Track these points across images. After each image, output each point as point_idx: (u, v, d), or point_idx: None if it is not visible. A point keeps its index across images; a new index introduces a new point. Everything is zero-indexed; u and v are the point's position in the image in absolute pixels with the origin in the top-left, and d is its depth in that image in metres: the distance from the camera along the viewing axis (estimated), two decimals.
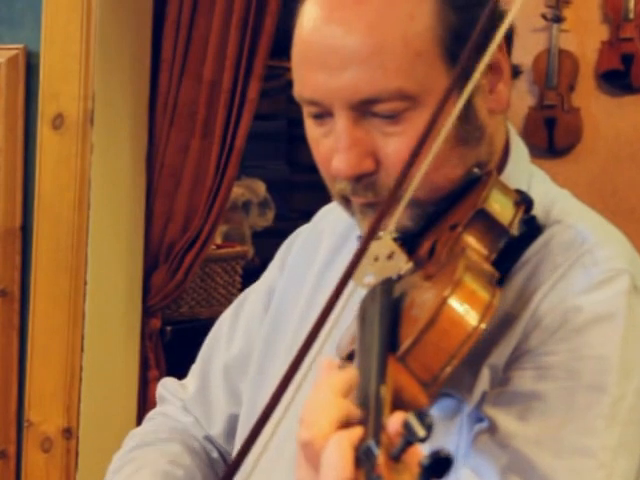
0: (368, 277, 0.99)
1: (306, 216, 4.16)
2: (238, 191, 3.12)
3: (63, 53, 2.41)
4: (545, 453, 0.98)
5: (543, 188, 1.12)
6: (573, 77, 4.21)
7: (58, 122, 2.42)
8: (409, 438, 0.75)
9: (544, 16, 4.14)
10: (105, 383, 2.52)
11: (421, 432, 0.74)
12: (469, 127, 1.06)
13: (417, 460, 0.73)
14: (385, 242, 1.00)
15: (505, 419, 1.00)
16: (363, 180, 1.04)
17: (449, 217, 1.04)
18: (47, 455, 2.46)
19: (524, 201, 1.03)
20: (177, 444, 1.29)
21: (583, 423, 0.98)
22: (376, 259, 0.99)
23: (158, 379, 2.61)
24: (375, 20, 1.01)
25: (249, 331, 1.30)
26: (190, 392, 1.35)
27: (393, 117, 1.02)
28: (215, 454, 1.32)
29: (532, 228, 1.03)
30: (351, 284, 0.93)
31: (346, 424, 0.82)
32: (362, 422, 0.81)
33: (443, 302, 0.90)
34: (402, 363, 0.90)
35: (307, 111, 1.08)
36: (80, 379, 2.46)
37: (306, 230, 1.35)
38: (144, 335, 2.60)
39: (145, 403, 2.60)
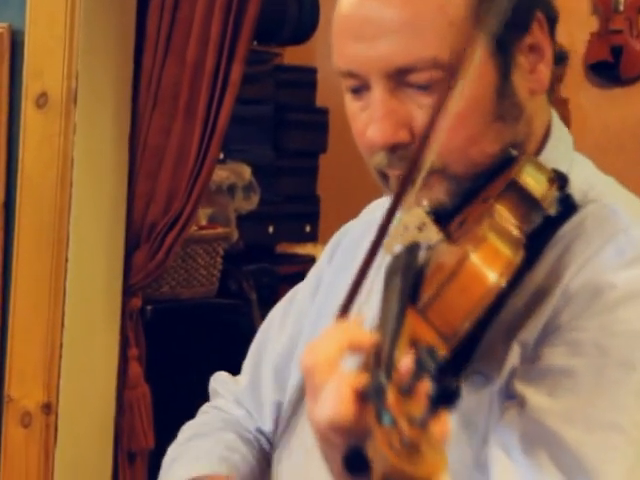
0: (398, 247, 1.01)
1: (290, 200, 4.18)
2: (223, 174, 3.14)
3: (48, 32, 2.43)
4: (574, 428, 0.99)
5: (584, 173, 1.13)
6: (562, 68, 4.24)
7: (42, 101, 2.44)
8: (419, 372, 0.77)
9: None
10: (85, 360, 2.54)
11: (431, 365, 0.76)
12: (507, 103, 1.07)
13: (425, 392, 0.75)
14: (416, 213, 1.01)
15: (534, 394, 1.01)
16: (398, 151, 1.05)
17: (483, 194, 1.05)
18: (27, 430, 2.49)
19: (558, 178, 1.04)
20: (231, 433, 1.31)
21: (613, 399, 0.99)
22: (406, 229, 1.00)
23: (138, 358, 2.65)
24: None
25: (299, 319, 1.32)
26: (242, 385, 1.37)
27: (428, 88, 1.04)
28: (267, 446, 1.33)
29: (567, 206, 1.04)
30: (382, 256, 0.96)
31: (354, 353, 0.84)
32: (374, 356, 0.82)
33: (465, 257, 0.93)
34: (422, 315, 0.92)
35: (345, 85, 1.09)
36: (60, 356, 2.48)
37: (356, 225, 1.37)
38: (125, 314, 2.62)
39: (125, 381, 2.63)
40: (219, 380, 1.42)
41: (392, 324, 0.87)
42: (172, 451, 1.32)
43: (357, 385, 0.80)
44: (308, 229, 3.62)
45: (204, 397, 3.25)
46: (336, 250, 1.34)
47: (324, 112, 3.62)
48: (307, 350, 0.86)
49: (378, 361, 0.81)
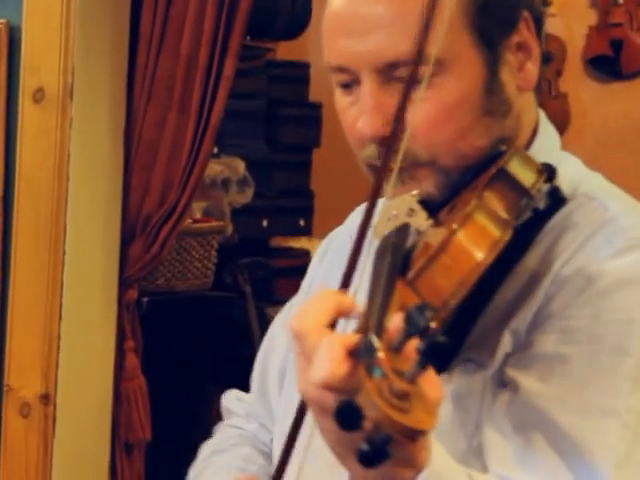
0: (387, 232, 1.02)
1: (284, 194, 4.20)
2: (217, 169, 3.17)
3: (44, 28, 2.47)
4: (567, 411, 1.00)
5: (572, 169, 1.15)
6: (560, 62, 4.14)
7: (39, 96, 2.48)
8: (409, 330, 0.78)
9: None
10: (82, 352, 2.58)
11: (422, 322, 0.77)
12: (495, 99, 1.09)
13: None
14: (405, 199, 1.03)
15: (527, 380, 1.03)
16: (392, 144, 1.04)
17: (472, 185, 1.07)
18: (26, 420, 2.52)
19: (546, 170, 1.05)
20: (247, 447, 1.33)
21: (607, 383, 1.01)
22: (396, 215, 1.02)
23: (134, 349, 2.68)
24: None
25: None
26: (252, 398, 1.40)
27: (417, 82, 1.04)
28: None
29: (556, 199, 1.06)
30: (372, 242, 0.97)
31: (343, 316, 0.86)
32: (364, 321, 0.84)
33: (453, 232, 0.95)
34: (412, 287, 0.94)
35: (335, 80, 1.11)
36: (58, 347, 2.52)
37: (343, 229, 1.38)
38: (121, 306, 2.65)
39: (121, 372, 2.66)
40: (230, 398, 1.44)
41: (382, 291, 0.88)
42: (193, 470, 1.34)
43: (349, 344, 0.81)
44: (302, 223, 3.65)
45: (200, 389, 3.29)
46: (326, 252, 1.36)
47: (317, 107, 3.64)
48: (296, 315, 0.87)
49: (368, 324, 0.83)
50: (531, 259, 1.07)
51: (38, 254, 2.50)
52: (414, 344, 0.78)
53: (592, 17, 4.18)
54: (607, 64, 4.13)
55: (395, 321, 0.82)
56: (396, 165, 0.99)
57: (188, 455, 3.31)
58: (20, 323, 2.52)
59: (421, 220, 1.03)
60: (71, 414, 2.56)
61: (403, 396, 0.77)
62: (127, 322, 2.67)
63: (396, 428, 0.76)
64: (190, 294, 3.01)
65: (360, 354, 0.80)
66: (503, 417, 1.03)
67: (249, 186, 3.24)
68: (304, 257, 3.62)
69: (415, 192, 1.04)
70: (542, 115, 1.19)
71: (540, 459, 1.00)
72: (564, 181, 1.09)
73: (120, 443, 2.68)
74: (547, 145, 1.16)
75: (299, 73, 3.65)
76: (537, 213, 1.05)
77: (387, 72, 1.07)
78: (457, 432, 1.06)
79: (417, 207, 1.03)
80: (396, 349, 0.79)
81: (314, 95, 3.70)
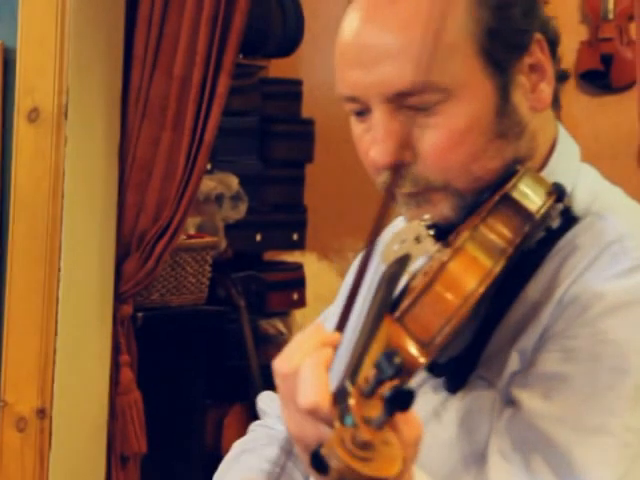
0: (395, 258, 1.03)
1: (277, 209, 4.22)
2: (211, 185, 3.21)
3: (39, 49, 2.50)
4: (566, 431, 1.01)
5: (589, 184, 1.16)
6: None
7: (34, 116, 2.51)
8: (379, 377, 0.81)
9: None
10: (78, 366, 2.60)
11: (390, 371, 0.80)
12: (508, 122, 1.10)
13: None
14: (413, 226, 1.04)
15: (529, 399, 1.04)
16: (401, 171, 1.08)
17: (478, 211, 1.07)
18: (22, 434, 2.55)
19: (557, 191, 1.07)
20: (275, 447, 1.33)
21: (604, 402, 1.01)
22: (403, 241, 1.03)
23: (129, 364, 2.71)
24: (408, 18, 1.08)
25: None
26: None
27: (427, 109, 1.07)
28: None
29: (567, 219, 1.09)
30: (379, 266, 0.99)
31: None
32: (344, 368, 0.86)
33: (442, 267, 0.96)
34: (400, 323, 0.94)
35: (349, 108, 1.14)
36: (54, 362, 2.54)
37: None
38: (116, 321, 2.68)
39: (117, 386, 2.69)
40: (264, 399, 1.45)
41: (366, 331, 0.90)
42: (221, 467, 1.36)
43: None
44: (295, 237, 3.67)
45: (194, 401, 3.32)
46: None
47: (310, 123, 3.67)
48: (280, 358, 0.90)
49: (347, 367, 0.86)
50: (540, 279, 1.09)
51: (34, 271, 2.53)
52: (382, 391, 0.80)
53: (583, 32, 4.21)
54: (598, 78, 4.16)
55: (366, 369, 0.84)
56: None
57: (183, 466, 3.33)
58: (16, 338, 2.54)
59: (429, 245, 1.04)
60: (67, 428, 2.59)
61: (366, 446, 0.79)
62: (122, 337, 2.69)
63: (356, 477, 0.79)
64: (184, 309, 3.04)
65: (334, 399, 0.83)
66: (505, 436, 1.05)
67: (242, 201, 3.27)
68: (297, 270, 3.65)
69: (427, 216, 1.05)
70: (561, 130, 1.20)
71: None
72: (579, 197, 1.11)
73: (116, 455, 2.70)
74: (564, 161, 1.17)
75: (291, 90, 3.68)
76: (550, 232, 1.08)
77: (397, 101, 1.09)
78: (466, 450, 1.09)
79: (424, 233, 1.04)
80: (367, 395, 0.81)
81: (306, 111, 3.73)
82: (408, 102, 1.08)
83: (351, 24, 1.12)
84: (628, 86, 4.15)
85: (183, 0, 2.57)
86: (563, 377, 1.04)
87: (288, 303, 3.59)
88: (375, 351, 0.88)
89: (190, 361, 3.09)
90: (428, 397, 1.11)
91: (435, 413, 1.11)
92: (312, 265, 3.77)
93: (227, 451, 3.59)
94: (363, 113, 1.13)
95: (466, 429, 1.09)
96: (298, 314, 3.64)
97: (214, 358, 3.23)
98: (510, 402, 1.06)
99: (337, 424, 0.81)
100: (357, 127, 1.14)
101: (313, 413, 0.86)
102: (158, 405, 2.81)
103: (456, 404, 1.10)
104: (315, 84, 3.80)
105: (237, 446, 1.38)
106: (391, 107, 1.09)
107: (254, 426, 1.42)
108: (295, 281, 3.62)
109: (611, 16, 4.07)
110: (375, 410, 0.80)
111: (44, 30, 2.49)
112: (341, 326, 0.94)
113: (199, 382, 3.13)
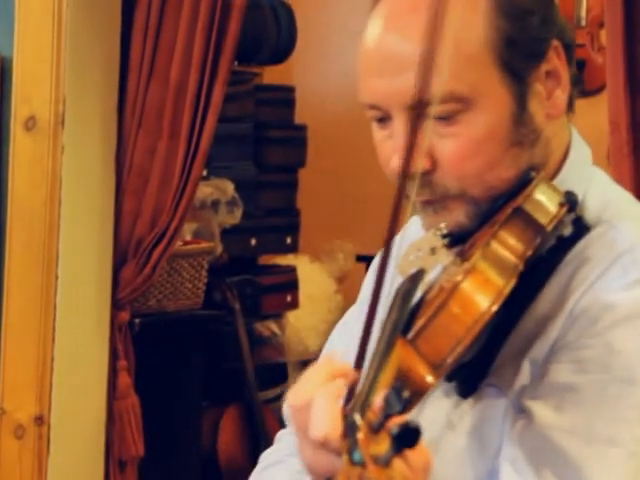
0: (412, 269, 1.03)
1: (271, 213, 4.24)
2: (207, 190, 3.22)
3: (35, 58, 2.52)
4: (576, 441, 1.02)
5: (600, 190, 1.16)
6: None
7: (30, 124, 2.52)
8: (387, 411, 0.82)
9: None
10: (76, 373, 2.61)
11: (398, 406, 0.82)
12: (524, 130, 1.11)
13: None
14: (428, 238, 1.04)
15: (541, 410, 1.04)
16: (420, 179, 1.06)
17: (494, 218, 1.08)
18: (20, 442, 2.56)
19: (568, 201, 1.07)
20: None
21: (613, 413, 1.02)
22: (419, 251, 1.03)
23: (127, 369, 2.72)
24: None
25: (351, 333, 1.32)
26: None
27: (447, 119, 1.08)
28: None
29: (578, 227, 1.09)
30: (397, 277, 0.99)
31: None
32: (355, 392, 0.88)
33: (454, 287, 0.96)
34: (413, 345, 0.95)
35: (370, 115, 1.14)
36: (52, 369, 2.55)
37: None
38: (113, 327, 2.69)
39: (114, 391, 2.70)
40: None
41: (377, 359, 0.91)
42: None
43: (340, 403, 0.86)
44: (289, 241, 3.70)
45: (191, 405, 3.33)
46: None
47: (303, 128, 3.70)
48: (292, 391, 0.92)
49: (357, 399, 0.87)
50: (552, 289, 1.09)
51: (31, 278, 2.54)
52: (390, 426, 0.81)
53: None
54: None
55: (376, 401, 0.85)
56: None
57: (179, 467, 3.35)
58: (14, 345, 2.55)
59: (443, 257, 1.04)
60: (65, 434, 2.60)
61: None
62: (119, 343, 2.71)
63: None
64: (181, 314, 3.06)
65: (344, 432, 0.84)
66: (517, 446, 1.06)
67: (238, 207, 3.29)
68: (290, 273, 3.68)
69: (442, 225, 1.05)
70: (574, 134, 1.20)
71: None
72: (590, 205, 1.12)
73: (114, 460, 2.71)
74: (576, 168, 1.17)
75: (285, 96, 3.71)
76: (561, 241, 1.08)
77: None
78: (477, 459, 1.10)
79: (439, 244, 1.04)
80: (376, 429, 0.83)
81: (299, 117, 3.75)
82: (428, 112, 1.07)
83: (373, 32, 1.13)
84: (599, 89, 4.24)
85: (179, 9, 2.59)
86: (574, 388, 1.04)
87: (282, 305, 3.62)
88: (387, 376, 0.89)
89: (187, 364, 3.10)
90: (441, 403, 1.12)
91: (449, 421, 1.12)
92: (304, 267, 3.79)
93: (223, 451, 3.58)
94: (384, 120, 1.13)
95: (479, 438, 1.10)
96: (291, 315, 3.66)
97: (210, 361, 3.25)
98: (522, 412, 1.07)
99: (345, 458, 0.82)
100: (378, 134, 1.15)
101: (324, 445, 0.87)
102: (155, 408, 2.82)
103: (469, 412, 1.11)
104: (308, 90, 3.83)
105: (263, 459, 1.38)
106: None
107: (280, 434, 1.42)
108: (288, 284, 3.65)
109: (583, 23, 4.14)
110: (383, 445, 0.82)
111: (41, 39, 2.50)
112: (360, 356, 0.94)
113: (196, 385, 3.15)
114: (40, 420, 2.55)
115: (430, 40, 0.91)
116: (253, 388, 3.34)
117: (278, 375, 3.60)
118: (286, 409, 1.42)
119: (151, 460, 2.79)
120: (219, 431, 3.31)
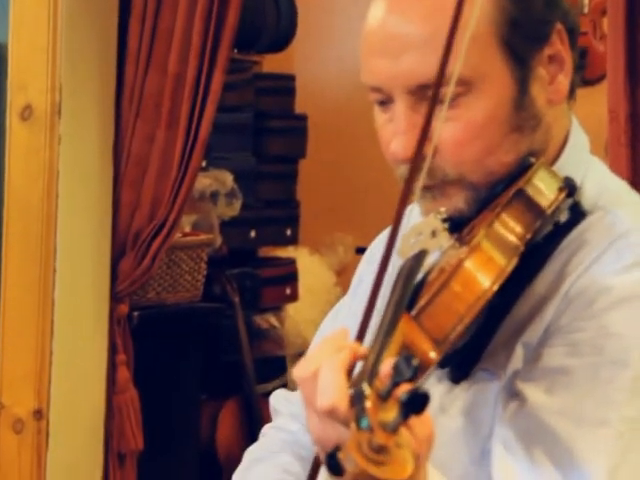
0: (412, 252, 1.03)
1: (270, 205, 4.23)
2: (206, 182, 3.19)
3: (31, 46, 2.48)
4: (567, 423, 1.03)
5: (597, 178, 1.16)
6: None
7: (27, 113, 2.49)
8: (396, 379, 0.82)
9: None
10: (74, 367, 2.60)
11: (407, 372, 0.82)
12: (525, 115, 1.10)
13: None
14: (429, 221, 1.03)
15: (533, 392, 1.05)
16: (420, 163, 1.04)
17: (495, 202, 1.08)
18: (19, 436, 2.54)
19: (567, 186, 1.07)
20: (287, 455, 1.33)
21: (604, 395, 1.03)
22: (420, 234, 1.03)
23: (126, 363, 2.70)
24: (431, 8, 1.07)
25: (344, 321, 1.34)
26: (298, 398, 1.37)
27: (443, 102, 1.04)
28: None
29: (575, 213, 1.09)
30: (398, 261, 0.99)
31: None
32: (363, 363, 0.88)
33: (458, 265, 0.98)
34: (416, 321, 0.97)
35: (372, 98, 1.13)
36: (50, 363, 2.54)
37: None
38: (112, 320, 2.67)
39: (113, 385, 2.68)
40: (277, 397, 1.44)
41: (382, 333, 0.91)
42: (235, 478, 1.35)
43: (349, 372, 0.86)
44: (289, 233, 3.68)
45: (190, 398, 3.32)
46: (374, 253, 1.35)
47: (303, 118, 3.66)
48: (300, 363, 0.92)
49: (365, 368, 0.88)
50: (547, 274, 1.09)
51: (29, 271, 2.52)
52: (398, 394, 0.82)
53: None
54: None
55: (384, 369, 0.86)
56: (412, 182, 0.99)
57: (178, 460, 3.33)
58: (12, 339, 2.53)
59: (443, 240, 1.03)
60: (64, 428, 2.58)
61: (381, 450, 0.81)
62: (118, 336, 2.69)
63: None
64: (180, 306, 3.04)
65: (351, 401, 0.84)
66: (509, 428, 1.06)
67: (237, 198, 3.26)
68: (290, 265, 3.66)
69: (442, 209, 1.05)
70: (574, 121, 1.20)
71: (539, 473, 1.03)
72: (587, 191, 1.11)
73: (113, 453, 2.70)
74: (575, 154, 1.17)
75: (285, 85, 3.67)
76: (558, 226, 1.08)
77: (419, 93, 1.08)
78: (470, 442, 1.10)
79: (440, 228, 1.03)
80: (384, 397, 0.83)
81: (300, 107, 3.72)
82: (430, 94, 1.05)
83: (376, 13, 1.12)
84: (599, 78, 4.23)
85: None
86: (566, 371, 1.05)
87: (281, 298, 3.60)
88: (392, 350, 0.90)
89: (186, 357, 3.08)
90: (434, 388, 1.12)
91: (441, 405, 1.12)
92: (304, 259, 3.78)
93: (222, 444, 3.57)
94: (386, 103, 1.12)
95: (471, 420, 1.10)
96: (290, 308, 3.65)
97: (209, 353, 3.23)
98: (514, 395, 1.07)
99: (354, 426, 0.82)
100: (380, 117, 1.14)
101: (331, 415, 0.87)
102: (154, 401, 2.81)
103: (461, 395, 1.12)
104: (308, 79, 3.80)
105: (249, 454, 1.38)
106: (413, 99, 1.09)
107: (266, 429, 1.42)
108: (288, 276, 3.63)
109: (586, 10, 4.13)
110: (391, 412, 0.82)
111: (36, 27, 2.47)
112: (362, 331, 0.95)
113: (195, 378, 3.14)
114: (39, 414, 2.53)
115: (453, 22, 0.90)
116: (252, 381, 3.33)
117: (277, 368, 3.58)
118: (273, 400, 1.40)
119: (150, 453, 2.78)
120: (218, 424, 3.30)
